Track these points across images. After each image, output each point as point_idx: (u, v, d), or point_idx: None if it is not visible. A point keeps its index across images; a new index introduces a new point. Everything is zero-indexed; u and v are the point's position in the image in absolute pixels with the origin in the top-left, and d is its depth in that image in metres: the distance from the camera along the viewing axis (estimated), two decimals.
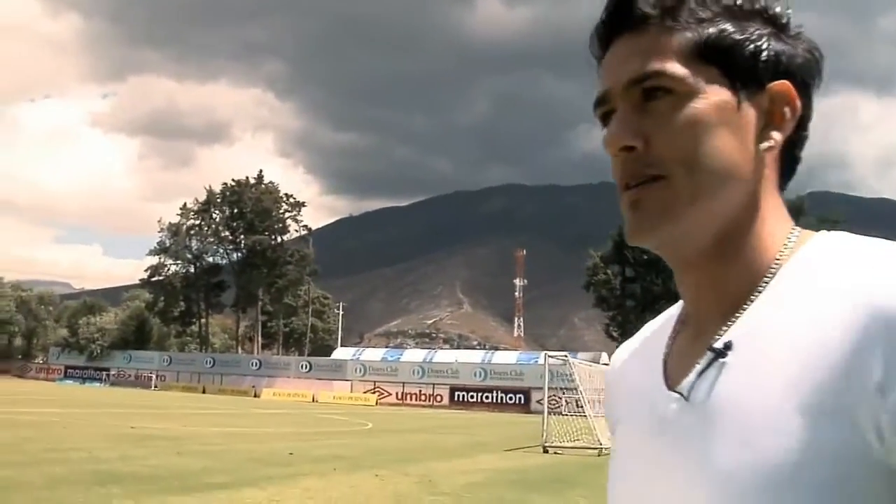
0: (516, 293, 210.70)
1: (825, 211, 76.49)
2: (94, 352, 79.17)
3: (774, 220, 0.88)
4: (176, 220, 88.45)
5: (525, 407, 59.29)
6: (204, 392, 67.59)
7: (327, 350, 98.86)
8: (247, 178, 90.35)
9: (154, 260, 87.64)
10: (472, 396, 63.35)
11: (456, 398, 63.46)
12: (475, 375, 64.83)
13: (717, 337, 0.84)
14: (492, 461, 17.54)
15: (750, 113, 0.86)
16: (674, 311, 1.00)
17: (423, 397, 64.94)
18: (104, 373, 77.01)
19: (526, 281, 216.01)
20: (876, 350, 0.70)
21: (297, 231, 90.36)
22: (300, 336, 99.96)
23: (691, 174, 0.84)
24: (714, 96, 0.85)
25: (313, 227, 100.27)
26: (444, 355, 75.67)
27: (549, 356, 25.10)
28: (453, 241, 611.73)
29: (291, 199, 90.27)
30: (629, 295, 74.25)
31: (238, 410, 38.89)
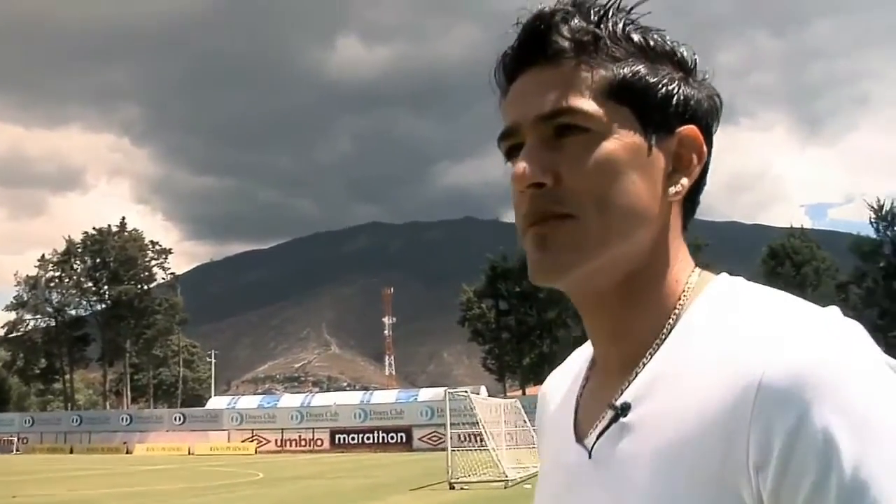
0: (385, 331, 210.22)
1: (689, 237, 79.98)
2: None
3: (679, 263, 0.88)
4: (33, 272, 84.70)
5: (407, 445, 59.30)
6: (72, 452, 64.49)
7: (199, 400, 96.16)
8: (109, 226, 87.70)
9: (10, 315, 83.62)
10: (353, 438, 62.70)
11: (337, 441, 62.68)
12: (355, 417, 64.23)
13: (619, 394, 0.85)
14: (406, 502, 17.56)
15: (660, 157, 0.86)
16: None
17: (303, 442, 63.84)
18: None
19: (395, 319, 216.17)
20: (751, 424, 0.71)
21: (163, 279, 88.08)
22: (169, 387, 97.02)
23: (602, 214, 0.82)
24: (626, 138, 0.84)
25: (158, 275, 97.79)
26: (323, 398, 74.69)
27: (450, 392, 25.20)
28: (317, 282, 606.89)
29: (157, 247, 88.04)
30: (504, 327, 75.64)
31: (117, 469, 37.39)
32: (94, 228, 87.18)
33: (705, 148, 0.88)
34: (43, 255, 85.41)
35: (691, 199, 0.91)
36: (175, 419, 69.50)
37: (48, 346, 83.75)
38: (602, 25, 0.87)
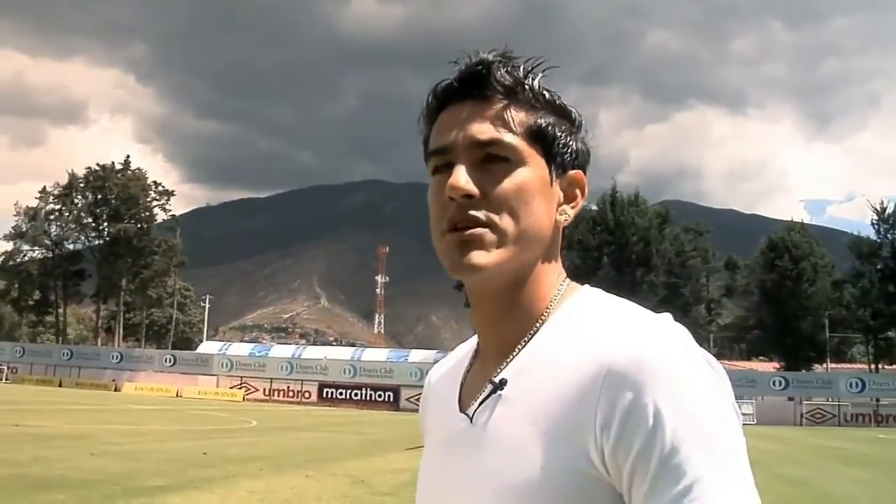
0: (377, 290, 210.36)
1: (689, 221, 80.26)
2: None
3: (553, 276, 1.12)
4: (30, 202, 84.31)
5: (394, 405, 59.72)
6: (60, 385, 64.50)
7: (188, 343, 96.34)
8: (112, 163, 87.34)
9: (7, 245, 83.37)
10: (340, 393, 62.92)
11: (325, 395, 62.88)
12: (344, 372, 64.54)
13: (498, 372, 1.07)
14: (405, 460, 17.71)
15: (557, 190, 1.11)
16: (473, 342, 1.23)
17: (291, 393, 64.02)
18: None
19: (388, 278, 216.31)
20: (600, 397, 0.94)
21: (163, 220, 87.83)
22: (159, 329, 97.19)
23: (514, 227, 1.05)
24: (537, 170, 1.08)
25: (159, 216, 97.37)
26: (313, 351, 74.97)
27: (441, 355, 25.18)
28: (312, 235, 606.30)
29: (160, 188, 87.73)
30: None
31: (109, 405, 37.58)
32: (97, 164, 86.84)
33: (586, 188, 1.15)
34: (44, 188, 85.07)
35: (565, 230, 1.16)
36: (165, 360, 69.65)
37: (43, 278, 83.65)
38: (527, 78, 1.10)
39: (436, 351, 75.19)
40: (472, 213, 1.04)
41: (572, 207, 1.13)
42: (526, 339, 1.08)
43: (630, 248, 67.86)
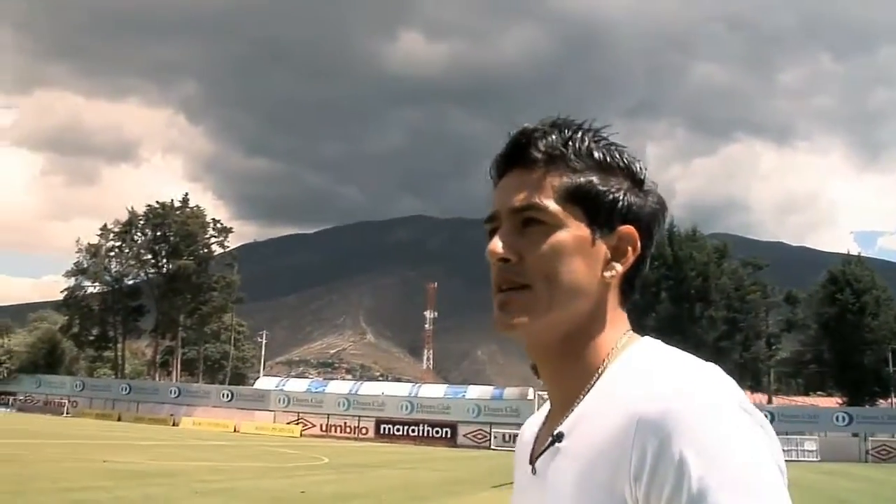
0: (426, 325, 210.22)
1: (748, 255, 79.37)
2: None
3: (611, 329, 1.18)
4: (94, 240, 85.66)
5: (451, 441, 59.26)
6: (119, 420, 65.21)
7: (241, 378, 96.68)
8: (172, 200, 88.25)
9: (69, 281, 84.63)
10: (398, 430, 62.68)
11: (382, 431, 62.75)
12: (402, 409, 64.31)
13: (558, 425, 1.15)
14: (496, 499, 17.43)
15: (601, 247, 1.16)
16: None
17: (348, 429, 63.89)
18: (10, 397, 73.51)
19: (436, 313, 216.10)
20: (633, 447, 1.01)
21: (221, 255, 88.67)
22: (212, 364, 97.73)
23: (549, 288, 1.14)
24: (576, 230, 1.15)
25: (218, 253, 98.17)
26: (370, 387, 74.86)
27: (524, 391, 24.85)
28: (358, 270, 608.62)
29: (219, 225, 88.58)
30: None
31: (178, 441, 37.74)
32: (157, 202, 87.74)
33: (640, 243, 1.18)
34: (105, 225, 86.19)
35: (630, 282, 1.21)
36: (223, 395, 69.98)
37: (103, 313, 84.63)
38: (569, 143, 1.18)
39: (493, 387, 74.84)
40: (510, 275, 1.15)
41: (622, 263, 1.18)
42: (584, 391, 1.15)
43: (688, 283, 67.10)
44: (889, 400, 69.68)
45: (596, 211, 1.16)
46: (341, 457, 33.23)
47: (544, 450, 1.17)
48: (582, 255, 1.15)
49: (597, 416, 1.10)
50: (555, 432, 1.15)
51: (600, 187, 1.17)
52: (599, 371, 1.16)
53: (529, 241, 1.15)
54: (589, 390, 1.15)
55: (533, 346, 1.20)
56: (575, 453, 1.11)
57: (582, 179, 1.17)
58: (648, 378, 1.07)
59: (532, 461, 1.21)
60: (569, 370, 1.18)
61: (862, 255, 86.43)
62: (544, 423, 1.27)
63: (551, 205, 1.15)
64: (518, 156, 1.20)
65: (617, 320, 1.20)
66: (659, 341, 1.18)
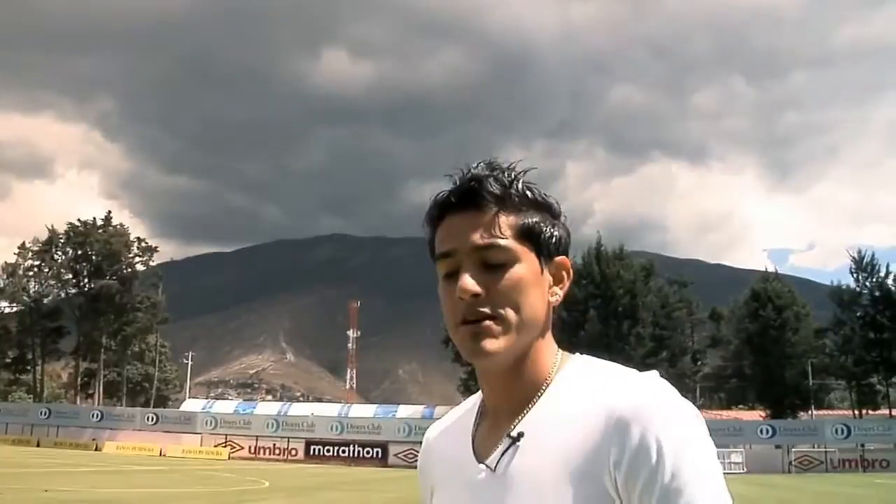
0: (349, 344, 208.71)
1: (674, 274, 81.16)
2: None
3: (549, 349, 1.39)
4: (11, 259, 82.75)
5: (383, 461, 59.01)
6: (38, 445, 63.01)
7: (163, 401, 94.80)
8: (94, 218, 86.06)
9: None
10: (328, 451, 62.03)
11: (312, 452, 62.09)
12: (332, 429, 63.80)
13: (512, 427, 1.33)
14: None
15: (547, 276, 1.37)
16: (471, 402, 1.50)
17: (277, 451, 62.97)
18: None
19: (359, 332, 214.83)
20: (612, 439, 1.22)
21: (145, 273, 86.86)
22: (134, 386, 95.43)
23: (517, 316, 1.31)
24: (530, 264, 1.35)
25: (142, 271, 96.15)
26: (300, 408, 74.20)
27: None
28: (278, 289, 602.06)
29: (143, 244, 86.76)
30: None
31: (111, 467, 36.83)
32: (78, 220, 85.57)
33: (571, 270, 1.42)
34: (23, 243, 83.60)
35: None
36: (147, 419, 68.20)
37: (21, 335, 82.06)
38: (513, 186, 1.36)
39: (423, 406, 74.80)
40: (480, 308, 1.31)
41: (561, 288, 1.40)
42: (535, 399, 1.35)
43: (617, 301, 68.16)
44: (809, 412, 71.82)
45: (541, 246, 1.36)
46: (279, 479, 32.83)
47: (505, 450, 1.32)
48: (537, 286, 1.35)
49: (557, 416, 1.30)
50: (513, 433, 1.32)
51: (542, 225, 1.36)
52: (548, 381, 1.36)
53: (494, 277, 1.32)
54: (539, 397, 1.35)
55: (491, 369, 1.37)
56: (540, 450, 1.28)
57: (529, 219, 1.35)
58: (611, 382, 1.30)
59: (481, 461, 1.36)
60: (517, 385, 1.36)
61: (778, 271, 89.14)
62: (476, 430, 1.42)
63: (510, 242, 1.33)
64: (469, 199, 1.35)
65: (552, 341, 1.41)
66: (590, 356, 1.41)
